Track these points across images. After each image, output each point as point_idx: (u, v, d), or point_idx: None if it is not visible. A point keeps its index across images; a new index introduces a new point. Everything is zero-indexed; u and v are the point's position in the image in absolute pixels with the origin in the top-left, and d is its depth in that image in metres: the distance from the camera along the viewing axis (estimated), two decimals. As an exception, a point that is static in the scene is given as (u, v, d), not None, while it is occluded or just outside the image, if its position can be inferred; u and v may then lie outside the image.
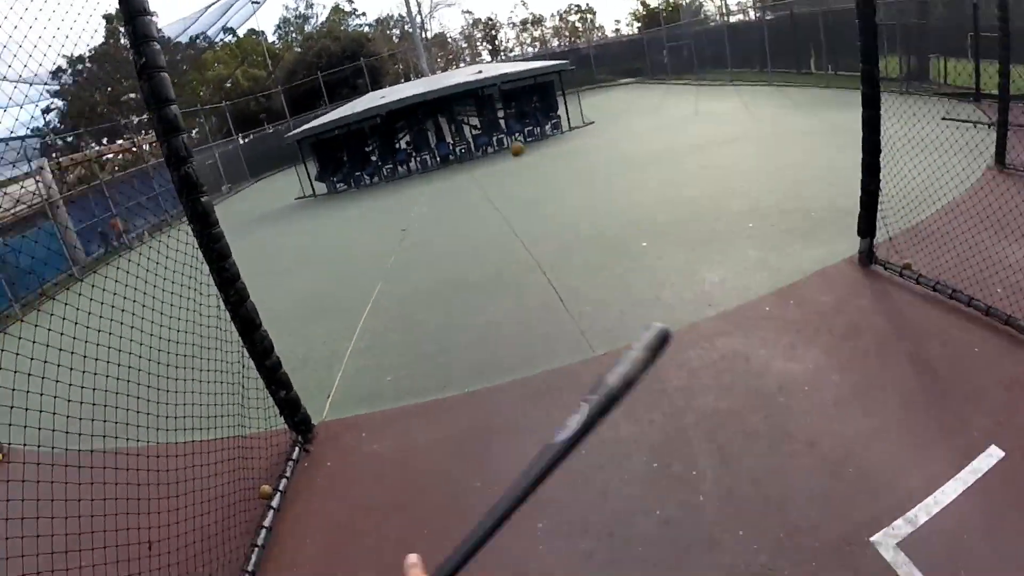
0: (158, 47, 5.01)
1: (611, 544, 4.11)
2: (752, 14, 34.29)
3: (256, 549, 4.60)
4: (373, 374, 7.04)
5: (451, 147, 23.26)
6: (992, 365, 5.69)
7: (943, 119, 13.84)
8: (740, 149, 14.25)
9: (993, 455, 4.60)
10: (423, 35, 54.11)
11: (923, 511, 4.21)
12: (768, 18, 30.01)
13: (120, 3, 4.92)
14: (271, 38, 63.42)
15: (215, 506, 4.80)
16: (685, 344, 6.21)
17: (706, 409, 5.29)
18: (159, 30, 4.94)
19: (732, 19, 35.79)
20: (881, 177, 7.15)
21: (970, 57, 16.97)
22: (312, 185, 23.83)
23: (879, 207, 7.24)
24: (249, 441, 5.63)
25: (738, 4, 47.51)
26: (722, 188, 11.09)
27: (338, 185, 23.53)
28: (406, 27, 60.38)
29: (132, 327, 4.96)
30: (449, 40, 65.42)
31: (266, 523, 4.85)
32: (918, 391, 5.41)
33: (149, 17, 5.01)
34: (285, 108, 43.58)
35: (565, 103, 23.48)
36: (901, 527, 4.09)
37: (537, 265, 8.99)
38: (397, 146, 23.84)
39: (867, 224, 7.28)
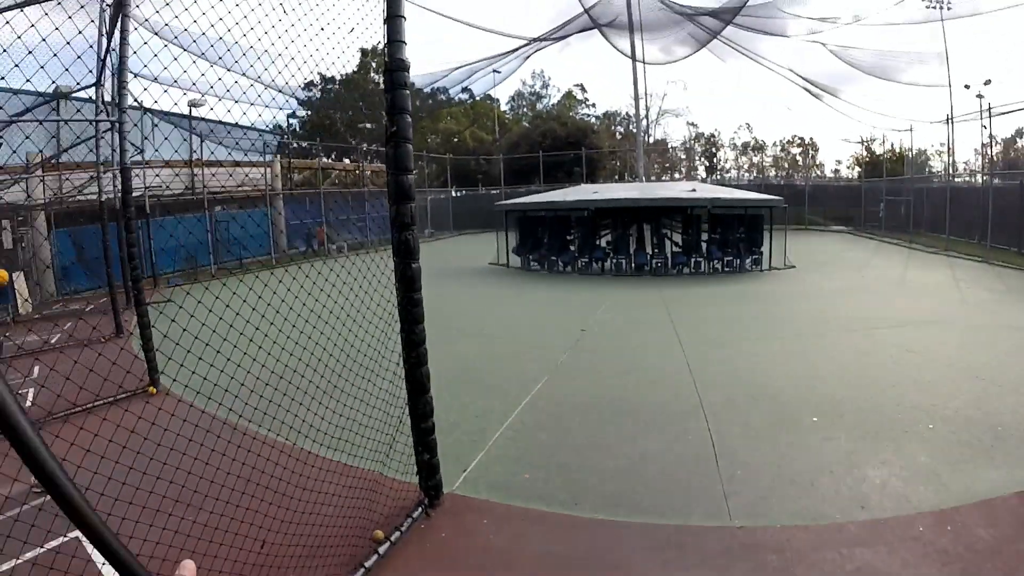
0: (409, 119, 5.61)
1: None
2: (979, 178, 31.70)
3: (349, 582, 4.91)
4: (512, 466, 7.11)
5: (649, 258, 23.34)
6: None
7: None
8: (939, 334, 13.02)
9: None
10: (646, 138, 55.60)
11: None
12: (996, 184, 27.49)
13: (384, 74, 5.61)
14: (503, 107, 68.14)
15: (330, 527, 5.23)
16: (824, 540, 5.75)
17: None
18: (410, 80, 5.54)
19: (957, 179, 33.28)
20: None
21: None
22: (507, 255, 24.87)
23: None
24: (382, 482, 6.06)
25: (965, 165, 44.14)
26: (909, 376, 10.17)
27: (532, 263, 24.38)
28: (631, 127, 62.49)
29: (314, 327, 5.49)
30: (669, 148, 66.63)
31: (367, 563, 5.08)
32: None
33: (407, 91, 5.62)
34: (501, 175, 46.32)
35: (771, 240, 22.71)
36: None
37: (701, 408, 8.68)
38: (597, 242, 24.34)
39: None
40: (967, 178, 34.32)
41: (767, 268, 22.55)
